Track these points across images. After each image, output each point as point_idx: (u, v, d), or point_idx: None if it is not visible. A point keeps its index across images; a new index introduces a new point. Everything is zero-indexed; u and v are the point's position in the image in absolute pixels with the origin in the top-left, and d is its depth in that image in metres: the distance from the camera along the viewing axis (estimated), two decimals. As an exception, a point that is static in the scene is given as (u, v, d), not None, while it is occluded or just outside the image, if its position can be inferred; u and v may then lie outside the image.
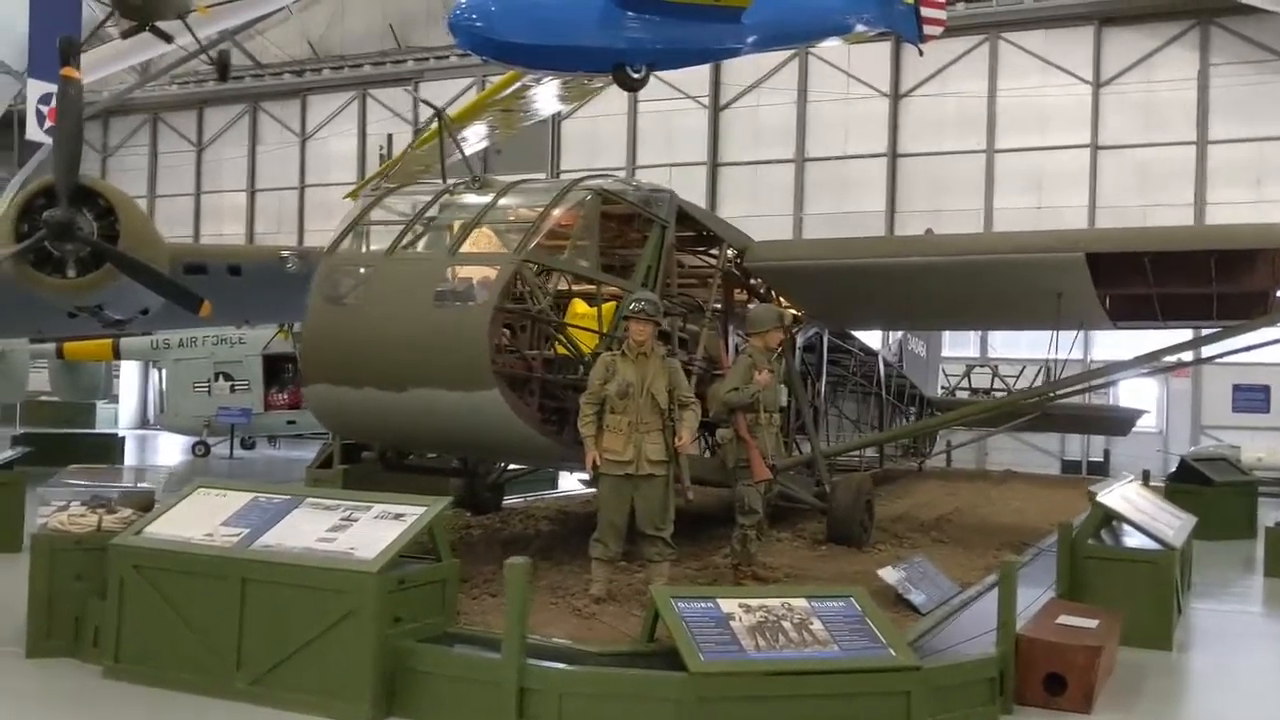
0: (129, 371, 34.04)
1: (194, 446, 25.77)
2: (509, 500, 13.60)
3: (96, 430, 29.45)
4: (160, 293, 12.28)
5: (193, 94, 36.47)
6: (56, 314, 13.38)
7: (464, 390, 8.02)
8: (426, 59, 32.40)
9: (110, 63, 30.86)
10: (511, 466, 12.80)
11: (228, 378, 25.38)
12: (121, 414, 35.59)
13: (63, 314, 13.29)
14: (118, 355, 26.11)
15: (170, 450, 27.42)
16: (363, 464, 10.36)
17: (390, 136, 32.79)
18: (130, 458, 23.40)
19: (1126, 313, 11.68)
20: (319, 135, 35.09)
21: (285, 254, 13.25)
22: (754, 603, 6.48)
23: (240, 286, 15.08)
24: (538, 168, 29.28)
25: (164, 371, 26.11)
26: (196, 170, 37.17)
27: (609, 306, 9.09)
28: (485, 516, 12.18)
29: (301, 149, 35.28)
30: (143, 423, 35.57)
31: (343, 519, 6.93)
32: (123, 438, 23.58)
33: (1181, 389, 25.60)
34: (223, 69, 17.29)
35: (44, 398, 30.08)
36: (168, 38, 16.63)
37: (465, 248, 8.68)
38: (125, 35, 17.32)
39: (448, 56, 30.98)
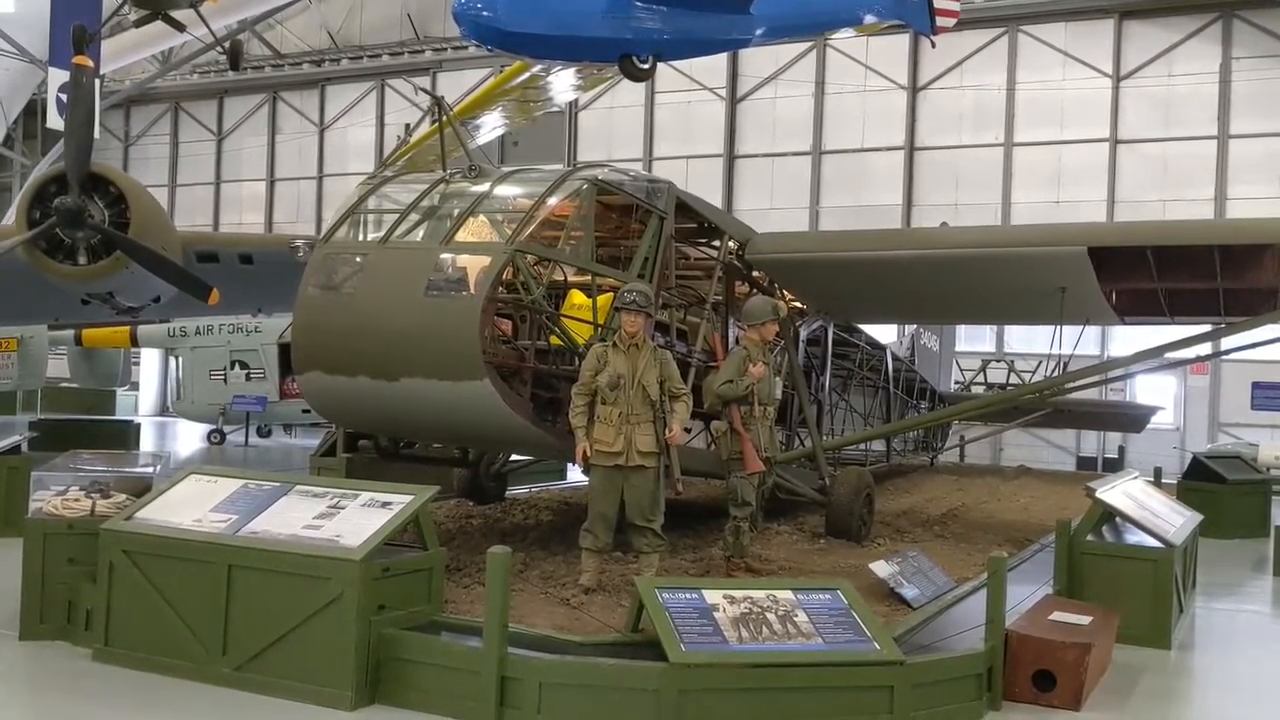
0: (150, 359, 34.31)
1: (209, 434, 25.94)
2: (513, 490, 13.62)
3: (115, 417, 29.71)
4: (169, 280, 12.34)
5: (213, 83, 36.69)
6: (71, 301, 13.48)
7: (455, 380, 8.02)
8: (444, 49, 32.49)
9: (131, 52, 31.13)
10: (515, 456, 12.80)
11: (244, 366, 25.51)
12: (142, 401, 35.87)
13: (77, 301, 13.40)
14: (135, 342, 26.33)
15: (187, 438, 27.62)
16: (361, 453, 10.40)
17: (408, 126, 32.85)
18: (147, 445, 23.59)
19: (1134, 309, 11.55)
20: (337, 125, 35.26)
21: (296, 243, 13.30)
22: (739, 594, 6.45)
23: (252, 275, 15.13)
24: (554, 159, 29.29)
25: (180, 359, 26.28)
26: (216, 159, 37.41)
27: (605, 298, 9.06)
28: (487, 506, 12.22)
29: (320, 139, 35.45)
30: (162, 410, 35.84)
31: (330, 506, 6.94)
32: (138, 424, 23.77)
33: (1199, 386, 25.38)
34: (234, 58, 17.35)
35: (64, 384, 30.38)
36: (180, 26, 16.68)
37: (459, 237, 8.68)
38: (138, 24, 17.40)
39: (465, 47, 30.93)
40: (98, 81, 21.86)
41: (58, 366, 28.62)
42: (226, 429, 25.91)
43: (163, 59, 35.20)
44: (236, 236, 21.81)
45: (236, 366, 25.46)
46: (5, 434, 14.18)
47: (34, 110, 32.96)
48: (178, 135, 38.30)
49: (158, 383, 35.91)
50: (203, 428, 26.90)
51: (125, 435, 21.60)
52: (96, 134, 23.47)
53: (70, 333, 25.51)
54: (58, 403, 30.88)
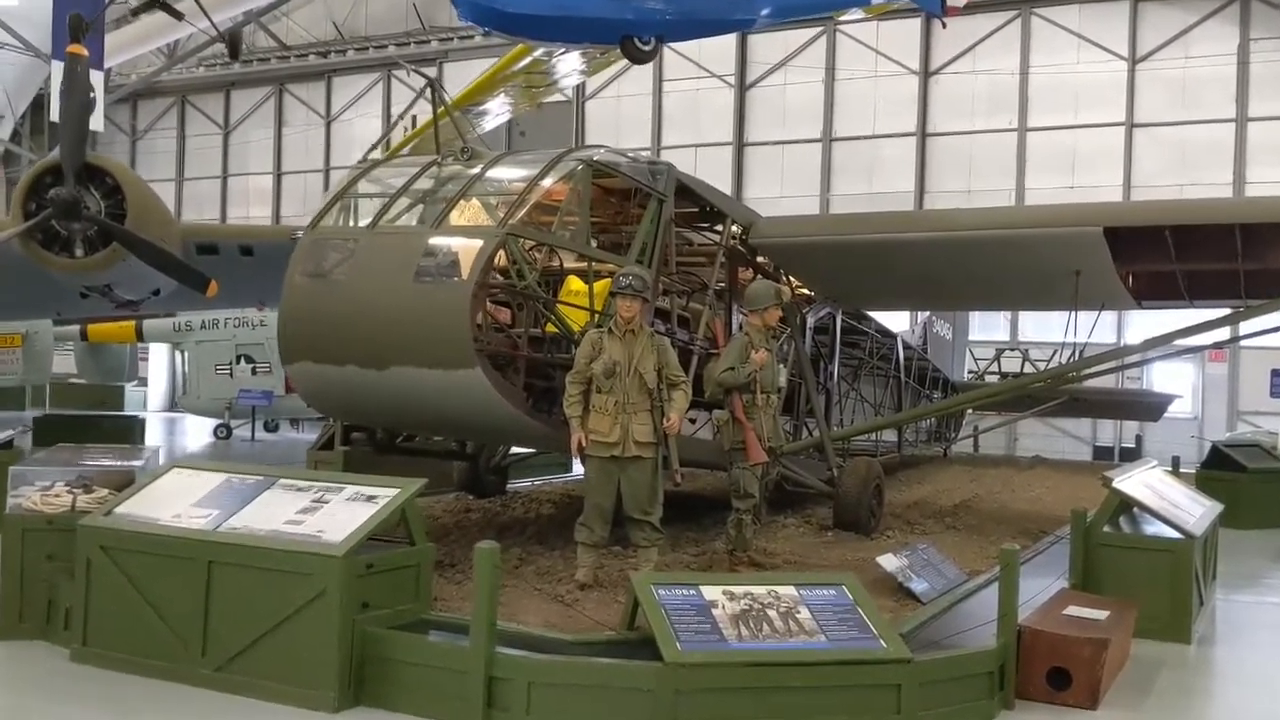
0: (158, 354, 34.20)
1: (216, 429, 25.79)
2: (516, 483, 13.38)
3: (124, 413, 29.59)
4: (166, 272, 12.14)
5: (219, 76, 36.50)
6: (71, 295, 13.31)
7: (445, 369, 7.77)
8: (450, 39, 32.24)
9: (137, 45, 31.00)
10: (515, 449, 12.56)
11: (249, 360, 25.35)
12: (151, 396, 35.78)
13: (76, 294, 13.22)
14: (141, 337, 26.20)
15: (195, 433, 27.48)
16: (353, 446, 10.14)
17: (415, 119, 32.61)
18: (153, 440, 23.41)
19: (1151, 292, 11.24)
20: (344, 117, 35.06)
21: (297, 234, 13.09)
22: (739, 590, 6.19)
23: (253, 267, 14.94)
24: (562, 148, 28.98)
25: (186, 354, 26.16)
26: (223, 152, 37.26)
27: (603, 283, 8.79)
28: (487, 500, 11.98)
29: (327, 130, 35.26)
30: (171, 405, 35.75)
31: (314, 501, 6.70)
32: (143, 420, 23.59)
33: (1218, 373, 24.99)
34: (233, 46, 17.13)
35: (72, 380, 30.31)
36: (178, 15, 16.46)
37: (451, 221, 8.42)
38: (135, 12, 17.23)
39: (471, 36, 30.73)
40: (103, 75, 21.71)
41: (65, 362, 28.52)
42: (233, 424, 25.75)
43: (168, 52, 35.04)
44: (236, 228, 21.69)
45: (242, 361, 25.30)
46: (20, 428, 14.05)
47: (41, 105, 32.87)
48: (184, 129, 38.11)
49: (166, 378, 35.86)
50: (210, 423, 26.76)
51: (130, 430, 21.39)
52: (101, 127, 23.33)
53: (76, 328, 25.39)
54: (67, 399, 30.78)
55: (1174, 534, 8.43)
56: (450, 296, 7.89)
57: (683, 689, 5.55)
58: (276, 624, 6.17)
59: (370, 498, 6.63)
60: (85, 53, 12.84)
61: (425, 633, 6.45)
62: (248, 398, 24.95)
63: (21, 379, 25.24)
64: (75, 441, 12.10)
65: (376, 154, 25.66)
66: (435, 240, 8.30)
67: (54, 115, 23.41)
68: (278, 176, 36.17)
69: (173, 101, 38.18)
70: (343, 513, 6.52)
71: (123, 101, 37.26)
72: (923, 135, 27.36)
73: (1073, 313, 11.08)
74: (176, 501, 6.97)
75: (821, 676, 5.75)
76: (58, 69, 22.88)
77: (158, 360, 34.95)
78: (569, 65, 17.37)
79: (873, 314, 15.37)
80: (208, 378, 25.32)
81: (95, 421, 22.58)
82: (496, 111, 20.13)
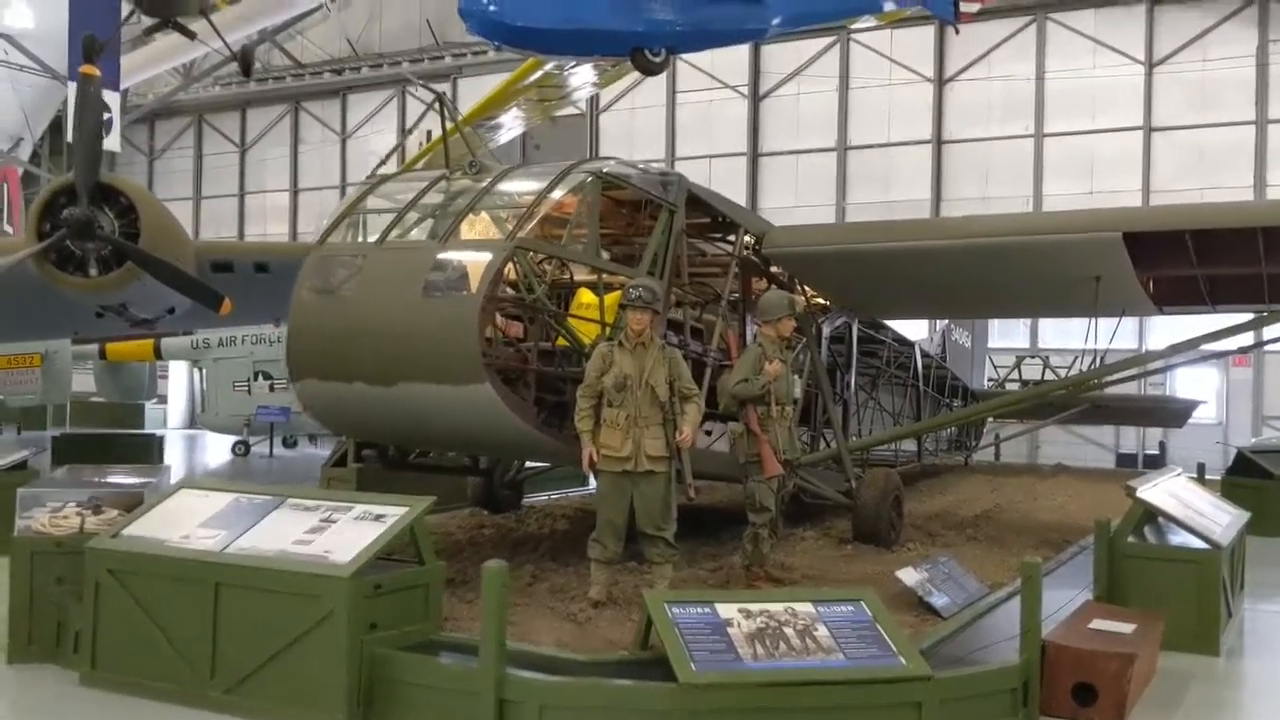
0: (178, 372, 34.29)
1: (234, 446, 25.81)
2: (534, 497, 13.28)
3: (142, 430, 29.68)
4: (180, 290, 12.12)
5: (236, 95, 36.67)
6: (87, 314, 13.31)
7: (454, 384, 7.66)
8: (464, 54, 32.28)
9: (153, 65, 31.19)
10: (530, 463, 12.45)
11: (267, 376, 25.33)
12: (171, 414, 35.89)
13: (92, 314, 13.22)
14: (159, 355, 26.27)
15: (214, 450, 27.52)
16: (365, 463, 10.04)
17: (429, 133, 32.70)
18: (172, 458, 23.44)
19: (1172, 297, 11.05)
20: (360, 133, 35.14)
21: None
22: (755, 608, 6.05)
23: (268, 284, 14.91)
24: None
25: (204, 371, 26.21)
26: (240, 171, 37.41)
27: (613, 296, 8.68)
28: (501, 516, 11.87)
29: (342, 147, 35.35)
30: (191, 422, 35.81)
31: (322, 520, 6.62)
32: (161, 438, 23.61)
33: (1242, 378, 24.67)
34: (245, 64, 17.16)
35: (93, 399, 30.43)
36: (190, 34, 16.48)
37: (459, 235, 8.33)
38: (148, 32, 17.27)
39: (485, 52, 30.75)
40: (119, 95, 21.80)
41: (84, 381, 28.62)
42: (251, 440, 25.77)
43: (184, 72, 35.23)
44: (251, 245, 21.66)
45: (260, 377, 25.29)
46: (33, 449, 14.03)
47: (59, 127, 33.08)
48: (201, 147, 38.30)
49: (185, 395, 35.94)
50: (229, 439, 26.79)
51: (148, 449, 21.37)
52: (119, 148, 23.44)
53: (95, 347, 25.49)
54: (87, 417, 30.92)
55: (1201, 544, 8.26)
56: (458, 310, 7.80)
57: (697, 710, 5.44)
58: (285, 646, 6.11)
59: (379, 517, 6.55)
60: (98, 73, 12.86)
61: (435, 654, 6.34)
62: (266, 414, 24.95)
63: (42, 398, 25.30)
64: (94, 460, 12.08)
65: (388, 168, 25.74)
66: (443, 254, 8.21)
67: (69, 136, 23.59)
68: (294, 194, 36.29)
69: (189, 121, 38.40)
70: (351, 532, 6.44)
71: (140, 122, 37.48)
72: (938, 143, 27.19)
73: (1093, 319, 10.90)
74: (185, 522, 6.92)
75: (840, 696, 5.62)
76: (74, 90, 23.01)
77: (177, 378, 35.04)
78: (581, 78, 17.35)
79: (890, 323, 15.23)
80: (226, 394, 25.34)
81: (113, 440, 22.60)
82: (510, 125, 20.09)
